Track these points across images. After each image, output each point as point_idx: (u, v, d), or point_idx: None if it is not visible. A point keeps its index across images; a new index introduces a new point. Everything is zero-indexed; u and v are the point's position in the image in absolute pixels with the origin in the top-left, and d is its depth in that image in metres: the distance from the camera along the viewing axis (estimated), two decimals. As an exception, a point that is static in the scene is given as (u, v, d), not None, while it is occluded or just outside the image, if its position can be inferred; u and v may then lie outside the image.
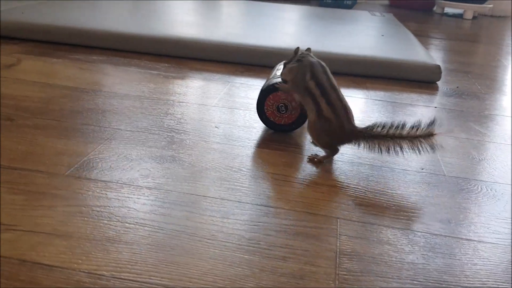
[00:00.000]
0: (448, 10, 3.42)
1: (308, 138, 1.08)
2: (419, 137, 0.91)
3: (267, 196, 0.84)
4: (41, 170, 0.86)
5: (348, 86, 1.50)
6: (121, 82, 1.35)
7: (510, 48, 2.37)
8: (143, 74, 1.45)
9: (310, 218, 0.79)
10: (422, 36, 2.40)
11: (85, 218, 0.73)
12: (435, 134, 0.90)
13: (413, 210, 0.84)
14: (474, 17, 3.24)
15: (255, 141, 1.05)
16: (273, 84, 1.05)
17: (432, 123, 0.90)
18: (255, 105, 1.12)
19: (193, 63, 1.61)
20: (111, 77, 1.40)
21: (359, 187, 0.90)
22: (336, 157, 1.00)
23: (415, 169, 0.98)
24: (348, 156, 1.01)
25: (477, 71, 1.82)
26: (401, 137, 0.92)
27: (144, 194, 0.81)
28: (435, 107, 1.37)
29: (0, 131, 0.99)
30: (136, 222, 0.73)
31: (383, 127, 0.93)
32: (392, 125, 0.93)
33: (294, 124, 1.08)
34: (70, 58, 1.55)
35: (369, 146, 0.95)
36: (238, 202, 0.81)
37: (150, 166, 0.90)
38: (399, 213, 0.83)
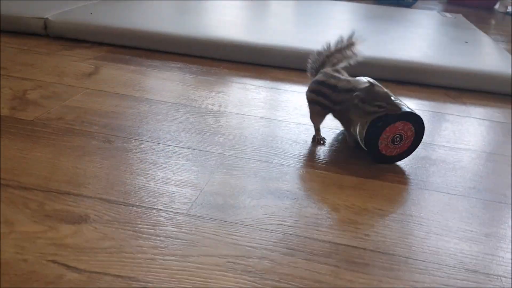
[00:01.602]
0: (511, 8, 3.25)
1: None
2: (344, 49, 1.11)
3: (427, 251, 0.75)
4: (160, 208, 0.79)
5: (444, 101, 1.40)
6: (208, 95, 1.28)
7: None
8: (226, 85, 1.37)
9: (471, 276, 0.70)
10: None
11: (224, 272, 0.66)
12: (353, 43, 1.11)
13: None
14: (541, 17, 3.07)
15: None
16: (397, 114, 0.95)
17: (350, 36, 1.11)
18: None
19: (275, 72, 1.53)
20: (196, 89, 1.32)
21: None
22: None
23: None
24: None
25: None
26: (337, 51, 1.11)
27: (278, 237, 0.73)
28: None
29: (98, 155, 0.93)
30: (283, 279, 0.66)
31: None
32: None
33: (405, 154, 0.99)
34: (147, 65, 1.48)
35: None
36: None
37: (272, 203, 0.82)
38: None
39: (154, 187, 0.84)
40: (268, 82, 1.43)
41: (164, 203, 0.80)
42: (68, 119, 1.08)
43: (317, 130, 1.08)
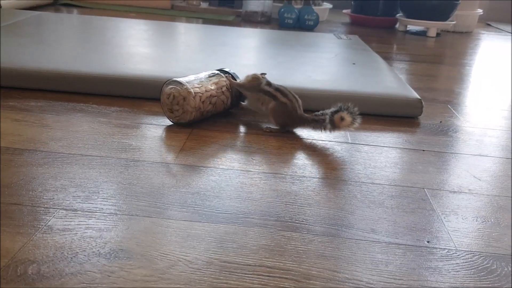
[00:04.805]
0: (411, 27, 3.36)
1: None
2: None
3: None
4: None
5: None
6: (63, 137, 1.15)
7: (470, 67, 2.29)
8: (90, 123, 1.25)
9: None
10: (390, 59, 2.29)
11: None
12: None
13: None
14: (437, 34, 3.18)
15: (227, 213, 0.87)
16: None
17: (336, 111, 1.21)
18: (221, 159, 0.95)
19: (149, 105, 1.42)
20: (52, 130, 1.19)
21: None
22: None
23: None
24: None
25: (456, 101, 1.71)
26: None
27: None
28: (423, 150, 1.23)
29: None
30: None
31: (323, 114, 1.25)
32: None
33: None
34: (3, 105, 1.33)
35: (313, 127, 1.26)
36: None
37: (97, 269, 0.70)
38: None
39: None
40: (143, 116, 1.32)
41: (-45, 281, 0.66)
42: None
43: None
